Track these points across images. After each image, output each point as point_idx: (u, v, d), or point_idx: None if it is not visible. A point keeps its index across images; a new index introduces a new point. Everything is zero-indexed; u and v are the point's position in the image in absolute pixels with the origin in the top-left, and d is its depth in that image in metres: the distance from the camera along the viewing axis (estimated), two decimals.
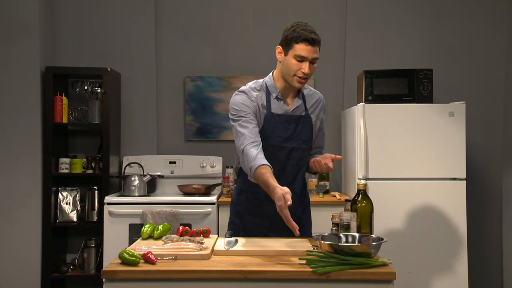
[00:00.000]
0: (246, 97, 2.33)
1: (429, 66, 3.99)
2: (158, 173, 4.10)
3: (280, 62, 2.31)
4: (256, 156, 2.17)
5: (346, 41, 4.32)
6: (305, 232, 2.47)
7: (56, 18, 4.26)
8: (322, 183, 4.09)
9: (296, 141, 2.37)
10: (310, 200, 3.63)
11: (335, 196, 3.84)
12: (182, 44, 4.37)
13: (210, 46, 4.36)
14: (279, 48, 2.30)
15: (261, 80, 2.40)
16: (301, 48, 2.21)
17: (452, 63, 4.28)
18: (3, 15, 3.87)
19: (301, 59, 2.22)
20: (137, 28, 4.31)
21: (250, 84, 2.39)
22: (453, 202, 3.57)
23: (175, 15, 4.37)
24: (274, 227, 2.40)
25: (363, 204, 2.14)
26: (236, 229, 2.43)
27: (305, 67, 2.22)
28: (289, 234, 2.38)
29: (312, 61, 2.25)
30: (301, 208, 2.50)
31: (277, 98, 2.35)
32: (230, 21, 4.34)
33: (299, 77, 2.26)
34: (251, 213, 2.43)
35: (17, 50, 3.86)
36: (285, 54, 2.27)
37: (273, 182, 2.06)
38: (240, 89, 2.38)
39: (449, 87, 4.22)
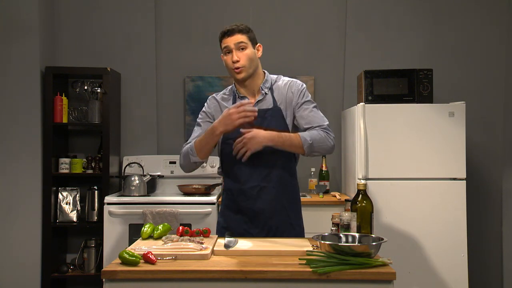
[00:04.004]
0: (207, 104, 2.58)
1: (429, 66, 3.99)
2: (158, 173, 4.10)
3: None
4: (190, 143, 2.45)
5: (346, 41, 4.32)
6: (295, 230, 2.44)
7: (56, 18, 4.26)
8: (322, 183, 4.09)
9: None
10: (310, 200, 3.70)
11: (335, 196, 3.84)
12: (182, 44, 4.37)
13: (210, 46, 4.33)
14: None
15: (230, 86, 2.59)
16: (223, 42, 2.43)
17: (452, 63, 4.28)
18: (3, 15, 3.87)
19: (227, 50, 2.42)
20: (137, 28, 4.31)
21: (223, 91, 2.59)
22: (453, 202, 3.57)
23: (175, 15, 4.37)
24: (254, 223, 2.41)
25: (363, 204, 2.14)
26: (220, 227, 2.47)
27: (233, 55, 2.39)
28: (269, 231, 2.40)
29: (239, 47, 2.39)
30: (286, 199, 2.43)
31: (240, 97, 2.48)
32: (230, 21, 4.29)
33: (234, 68, 2.40)
34: (231, 210, 2.47)
35: (17, 50, 3.86)
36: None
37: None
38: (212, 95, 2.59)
39: (449, 87, 4.22)
